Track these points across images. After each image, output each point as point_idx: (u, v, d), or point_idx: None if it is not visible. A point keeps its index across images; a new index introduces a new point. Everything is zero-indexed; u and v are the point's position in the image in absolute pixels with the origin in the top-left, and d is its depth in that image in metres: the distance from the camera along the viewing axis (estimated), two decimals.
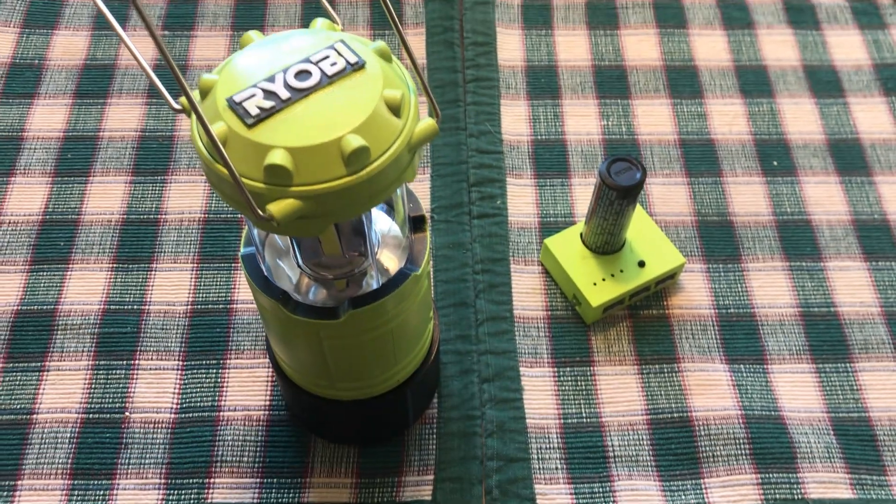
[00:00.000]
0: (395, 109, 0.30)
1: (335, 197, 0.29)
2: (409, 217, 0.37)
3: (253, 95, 0.29)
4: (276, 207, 0.28)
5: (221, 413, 0.46)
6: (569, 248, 0.50)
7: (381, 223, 0.39)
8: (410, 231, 0.37)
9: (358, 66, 0.30)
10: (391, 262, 0.39)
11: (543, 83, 0.60)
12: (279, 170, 0.28)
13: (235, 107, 0.29)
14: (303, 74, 0.30)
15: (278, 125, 0.29)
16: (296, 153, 0.28)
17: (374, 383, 0.40)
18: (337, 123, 0.29)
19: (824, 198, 0.55)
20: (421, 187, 0.54)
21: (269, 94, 0.29)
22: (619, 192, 0.45)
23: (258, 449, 0.45)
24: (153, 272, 0.51)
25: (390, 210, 0.39)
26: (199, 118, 0.27)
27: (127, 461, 0.44)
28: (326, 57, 0.30)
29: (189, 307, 0.49)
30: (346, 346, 0.37)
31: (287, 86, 0.29)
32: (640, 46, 0.62)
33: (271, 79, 0.30)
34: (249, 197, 0.28)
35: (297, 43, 0.31)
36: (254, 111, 0.29)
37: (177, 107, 0.30)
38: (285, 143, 0.28)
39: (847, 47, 0.62)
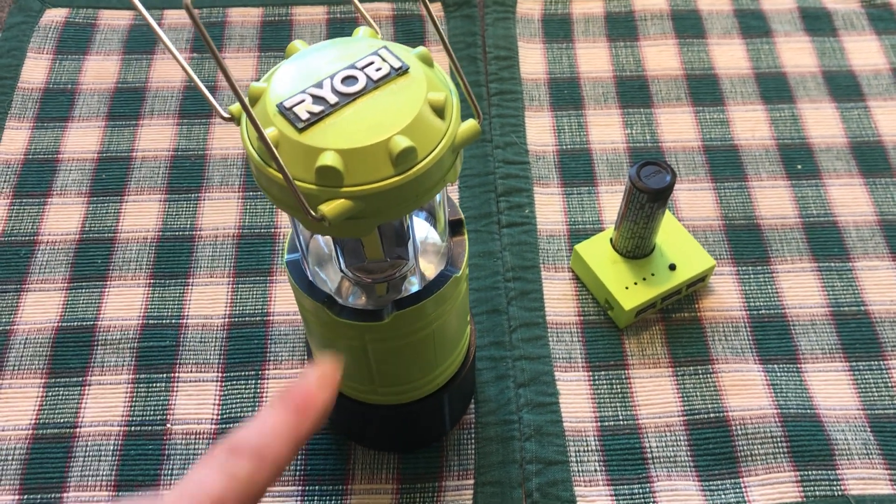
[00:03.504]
0: (440, 111, 0.30)
1: (384, 197, 0.30)
2: (447, 221, 0.38)
3: (302, 101, 0.30)
4: (328, 208, 0.29)
5: None
6: (599, 254, 0.50)
7: (420, 230, 0.40)
8: (449, 234, 0.38)
9: (402, 71, 0.31)
10: (429, 268, 0.39)
11: (566, 94, 0.61)
12: (330, 171, 0.29)
13: (286, 112, 0.30)
14: (349, 80, 0.31)
15: (328, 128, 0.29)
16: (346, 155, 0.29)
17: (414, 387, 0.41)
18: (385, 125, 0.29)
19: (849, 199, 0.55)
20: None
21: (317, 99, 0.30)
22: (650, 196, 0.46)
23: (299, 457, 0.45)
24: (190, 287, 0.51)
25: (429, 217, 0.40)
26: (254, 122, 0.28)
27: (170, 472, 0.45)
28: (371, 63, 0.31)
29: (226, 320, 0.50)
30: (389, 348, 0.37)
31: (335, 91, 0.30)
32: (661, 57, 0.63)
33: (319, 84, 0.30)
34: (303, 198, 0.29)
35: (341, 51, 0.32)
36: (304, 115, 0.30)
37: (226, 115, 0.31)
38: (335, 145, 0.29)
39: (865, 52, 0.63)
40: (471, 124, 0.31)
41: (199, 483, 0.25)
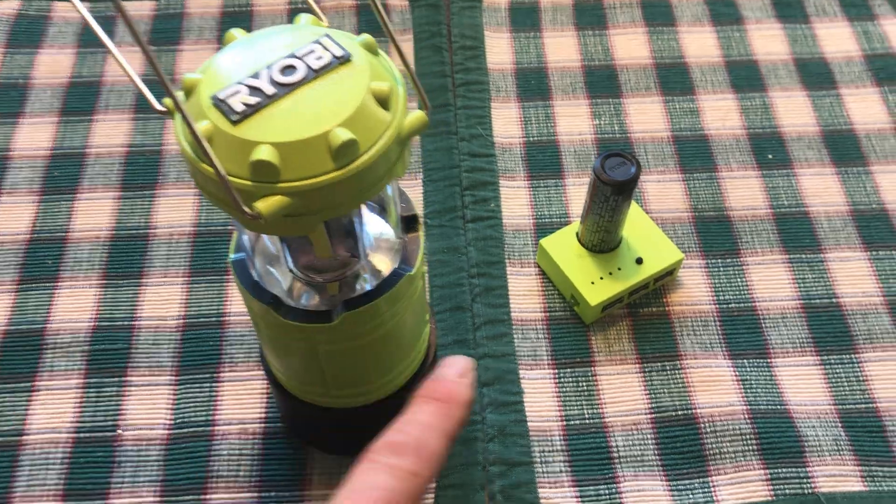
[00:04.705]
0: (384, 102, 0.29)
1: (324, 192, 0.28)
2: (401, 217, 0.36)
3: (237, 92, 0.28)
4: (264, 205, 0.27)
5: (216, 427, 0.45)
6: (565, 248, 0.49)
7: (374, 226, 0.38)
8: (403, 231, 0.37)
9: (344, 60, 0.29)
10: (385, 265, 0.38)
11: (533, 85, 0.59)
12: (266, 166, 0.27)
13: (220, 104, 0.28)
14: (288, 69, 0.29)
15: (264, 121, 0.28)
16: (282, 149, 0.27)
17: (370, 389, 0.39)
18: (324, 117, 0.28)
19: (821, 189, 0.54)
20: (413, 193, 0.54)
21: (253, 90, 0.28)
22: (615, 188, 0.44)
23: (255, 463, 0.44)
24: (143, 287, 0.50)
25: (382, 212, 0.38)
26: (183, 115, 0.26)
27: (121, 480, 0.43)
28: (312, 51, 0.30)
29: (181, 321, 0.48)
30: (341, 350, 0.36)
31: (272, 81, 0.29)
32: (630, 45, 0.61)
33: (256, 75, 0.29)
34: (236, 195, 0.27)
35: (281, 39, 0.30)
36: (238, 107, 0.28)
37: (160, 108, 0.29)
38: (271, 138, 0.27)
39: (837, 39, 0.62)
40: (418, 115, 0.30)
41: (369, 484, 0.25)
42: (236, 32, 0.31)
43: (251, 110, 0.28)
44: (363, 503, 0.25)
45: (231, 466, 0.44)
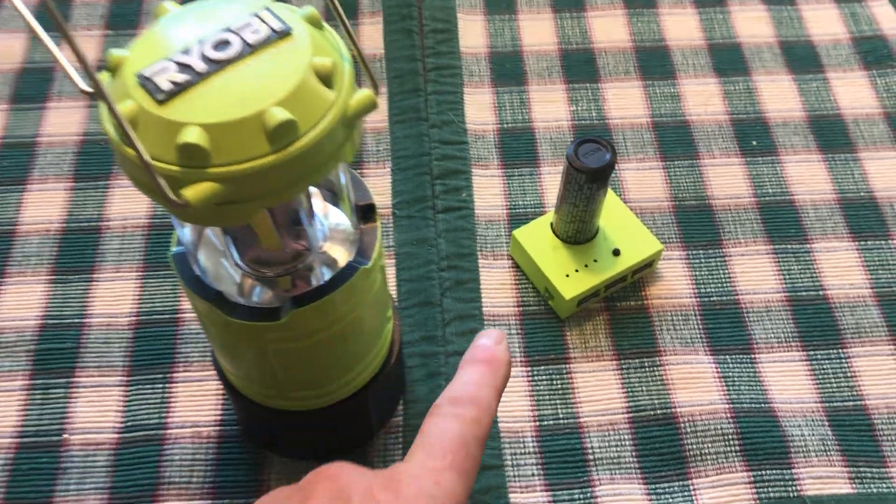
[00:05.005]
0: (326, 79, 0.26)
1: (259, 178, 0.26)
2: (355, 206, 0.34)
3: (165, 69, 0.26)
4: (192, 192, 0.25)
5: (168, 431, 0.42)
6: (539, 239, 0.47)
7: (331, 216, 0.36)
8: (359, 222, 0.34)
9: (283, 34, 0.27)
10: (343, 256, 0.35)
11: (508, 69, 0.57)
12: (193, 149, 0.25)
13: (145, 82, 0.26)
14: (222, 45, 0.27)
15: (193, 100, 0.25)
16: (212, 130, 0.25)
17: (328, 391, 0.37)
18: (259, 96, 0.25)
19: (807, 176, 0.52)
20: (381, 182, 0.51)
21: (183, 66, 0.26)
22: (589, 176, 0.42)
23: (209, 468, 0.41)
24: (95, 283, 0.47)
25: (339, 200, 0.36)
26: (101, 94, 0.24)
27: (65, 488, 0.41)
28: (248, 25, 0.27)
29: (133, 318, 0.46)
30: (293, 350, 0.33)
31: (204, 58, 0.26)
32: (609, 28, 0.59)
33: (186, 51, 0.26)
34: (160, 181, 0.25)
35: (217, 12, 0.28)
36: (165, 86, 0.25)
37: (86, 88, 0.27)
38: (200, 119, 0.25)
39: (824, 21, 0.59)
40: (365, 94, 0.27)
41: (440, 432, 0.28)
42: (169, 5, 0.29)
43: (179, 89, 0.25)
44: (438, 448, 0.28)
45: (183, 472, 0.41)
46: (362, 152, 0.52)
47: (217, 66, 0.26)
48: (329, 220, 0.36)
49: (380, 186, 0.51)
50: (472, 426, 0.28)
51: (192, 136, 0.25)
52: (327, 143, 0.27)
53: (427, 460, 0.27)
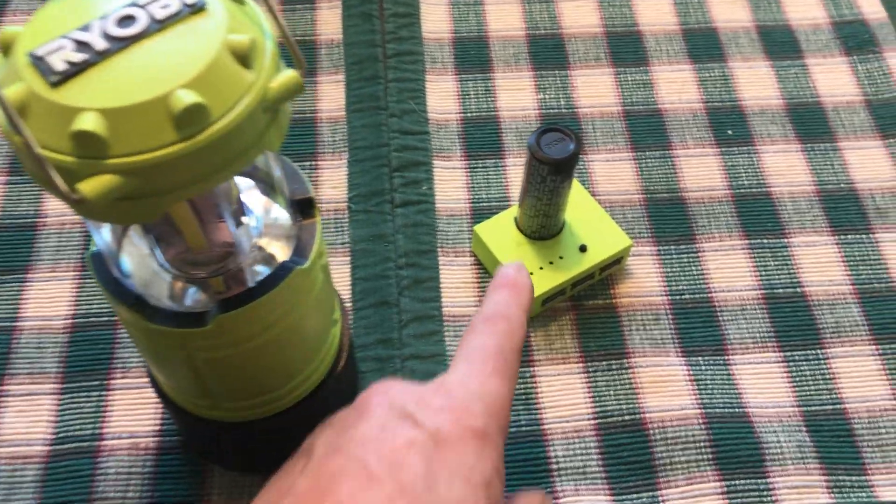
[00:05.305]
0: (244, 58, 0.24)
1: (166, 170, 0.23)
2: (292, 201, 0.31)
3: (60, 48, 0.23)
4: (89, 186, 0.22)
5: (104, 442, 0.39)
6: (502, 235, 0.44)
7: (274, 210, 0.33)
8: (296, 217, 0.31)
9: (196, 8, 0.24)
10: (284, 255, 0.32)
11: (473, 56, 0.54)
12: (89, 137, 0.22)
13: (38, 63, 0.23)
14: (126, 21, 0.24)
15: (90, 83, 0.23)
16: (111, 116, 0.22)
17: (268, 400, 0.34)
18: (164, 77, 0.22)
19: (785, 167, 0.49)
20: (337, 174, 0.48)
21: (80, 45, 0.23)
22: (552, 167, 0.39)
23: (146, 482, 0.39)
24: (28, 283, 0.44)
25: (275, 194, 0.33)
26: None
27: None
28: None
29: (69, 321, 0.43)
30: (224, 358, 0.31)
31: (105, 35, 0.23)
32: (579, 12, 0.56)
33: (86, 27, 0.23)
34: (53, 174, 0.22)
35: None
36: (59, 66, 0.23)
37: None
38: (97, 103, 0.22)
39: (803, 5, 0.57)
40: (289, 74, 0.25)
41: (479, 346, 0.30)
42: None
43: (75, 70, 0.23)
44: (479, 358, 0.29)
45: (119, 487, 0.38)
46: (317, 143, 0.50)
47: (120, 44, 0.23)
48: (271, 215, 0.33)
49: (335, 179, 0.48)
50: (506, 338, 0.30)
51: (88, 122, 0.22)
52: (246, 129, 0.24)
53: (471, 368, 0.29)
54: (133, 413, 0.40)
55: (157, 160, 0.22)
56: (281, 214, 0.33)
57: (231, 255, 0.31)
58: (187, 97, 0.22)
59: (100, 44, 0.23)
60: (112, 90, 0.22)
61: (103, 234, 0.30)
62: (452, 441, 0.26)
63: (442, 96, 0.52)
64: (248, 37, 0.24)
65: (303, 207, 0.31)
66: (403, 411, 0.27)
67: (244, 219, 0.31)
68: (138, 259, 0.32)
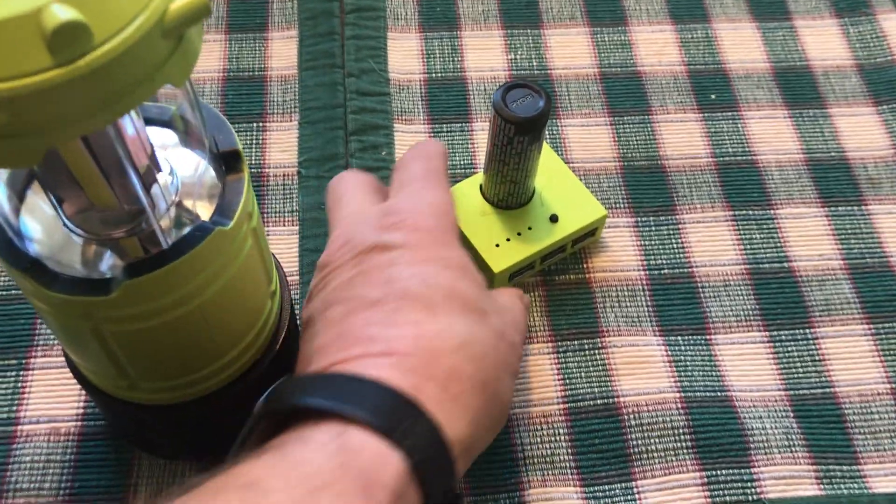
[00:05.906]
0: None
1: (41, 102, 0.19)
2: (215, 153, 0.27)
3: None
4: None
5: (20, 427, 0.36)
6: (466, 204, 0.40)
7: (201, 167, 0.29)
8: (221, 173, 0.28)
9: None
10: (209, 214, 0.29)
11: (439, 13, 0.50)
12: None
13: None
14: None
15: None
16: None
17: (190, 382, 0.30)
18: None
19: (772, 135, 0.46)
20: (287, 137, 0.45)
21: None
22: (519, 127, 0.36)
23: (66, 471, 0.35)
24: None
25: (195, 143, 0.29)
26: None
27: None
28: None
29: None
30: (135, 332, 0.27)
31: None
32: None
33: None
34: None
35: None
36: None
37: None
38: None
39: None
40: None
41: (407, 176, 0.33)
42: None
43: None
44: (410, 180, 0.33)
45: (34, 476, 0.35)
46: (265, 103, 0.46)
47: None
48: (198, 171, 0.29)
49: (284, 142, 0.44)
50: (429, 161, 0.33)
51: None
52: (139, 57, 0.20)
53: (409, 189, 0.32)
54: (54, 394, 0.36)
55: (27, 89, 0.19)
56: (209, 170, 0.29)
57: (143, 214, 0.27)
58: (63, 13, 0.18)
59: None
60: None
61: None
62: (422, 245, 0.30)
63: (405, 55, 0.48)
64: None
65: (228, 161, 0.28)
66: (365, 246, 0.30)
67: (158, 174, 0.27)
68: (48, 220, 0.28)
